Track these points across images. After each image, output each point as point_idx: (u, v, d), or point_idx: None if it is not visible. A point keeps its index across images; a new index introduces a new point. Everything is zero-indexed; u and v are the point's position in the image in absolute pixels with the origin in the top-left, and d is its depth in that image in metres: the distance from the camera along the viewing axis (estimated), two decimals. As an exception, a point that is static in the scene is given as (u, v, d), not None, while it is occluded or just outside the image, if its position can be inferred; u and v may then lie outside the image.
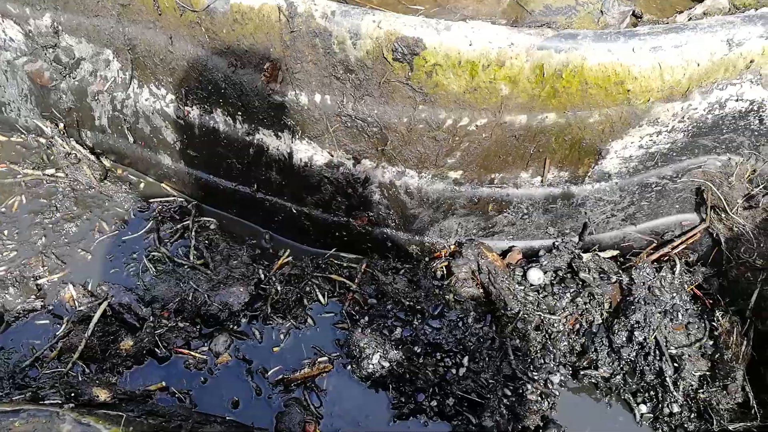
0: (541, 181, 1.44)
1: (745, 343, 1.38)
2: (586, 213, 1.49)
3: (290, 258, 1.62)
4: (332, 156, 1.47)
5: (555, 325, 1.44)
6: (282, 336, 1.49)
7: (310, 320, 1.52)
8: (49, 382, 1.30)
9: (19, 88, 1.83)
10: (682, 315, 1.42)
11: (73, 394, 1.21)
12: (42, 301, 1.51)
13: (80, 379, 1.32)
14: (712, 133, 1.40)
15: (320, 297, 1.55)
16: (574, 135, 1.35)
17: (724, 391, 1.33)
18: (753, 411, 1.31)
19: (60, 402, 1.16)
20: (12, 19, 1.71)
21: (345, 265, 1.62)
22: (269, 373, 1.42)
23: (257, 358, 1.44)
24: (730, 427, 1.30)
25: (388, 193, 1.49)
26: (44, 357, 1.41)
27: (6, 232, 1.63)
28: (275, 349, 1.46)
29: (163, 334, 1.43)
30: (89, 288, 1.53)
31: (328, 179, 1.51)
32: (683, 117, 1.35)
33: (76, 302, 1.50)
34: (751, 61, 1.26)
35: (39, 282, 1.54)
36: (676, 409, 1.36)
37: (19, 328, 1.48)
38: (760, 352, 1.38)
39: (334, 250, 1.64)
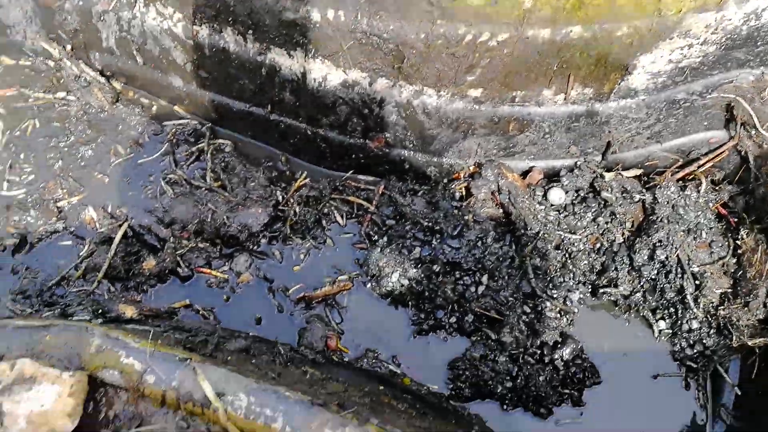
0: (565, 99, 1.39)
1: (768, 260, 1.37)
2: (610, 131, 1.45)
3: (307, 180, 1.60)
4: (347, 75, 1.43)
5: (575, 244, 1.44)
6: (302, 256, 1.50)
7: (329, 240, 1.53)
8: (76, 300, 1.33)
9: (22, 10, 1.78)
10: (706, 233, 1.40)
11: (100, 311, 1.23)
12: (63, 223, 1.52)
13: (106, 297, 1.35)
14: (746, 46, 1.34)
15: (339, 218, 1.55)
16: (601, 49, 1.29)
17: (745, 308, 1.33)
18: (772, 327, 1.32)
19: (88, 318, 1.19)
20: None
21: (362, 187, 1.60)
22: (290, 292, 1.44)
23: (278, 278, 1.46)
24: (750, 342, 1.31)
25: (406, 113, 1.45)
26: (70, 276, 1.44)
27: (22, 155, 1.63)
28: (296, 268, 1.48)
29: (184, 254, 1.45)
30: (109, 210, 1.54)
31: (343, 99, 1.47)
32: (716, 28, 1.28)
33: (96, 224, 1.51)
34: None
35: (59, 204, 1.55)
36: (695, 325, 1.37)
37: (44, 249, 1.50)
38: (783, 269, 1.38)
39: (351, 172, 1.62)
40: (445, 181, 1.56)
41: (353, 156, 1.60)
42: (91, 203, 1.54)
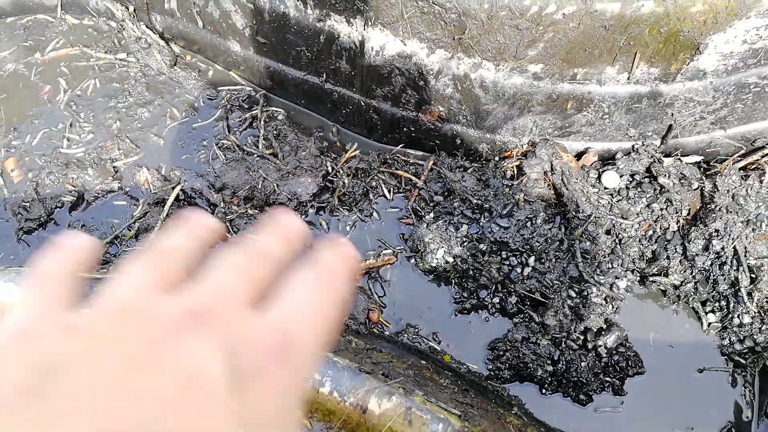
0: (628, 78, 1.35)
1: (832, 258, 1.31)
2: (672, 114, 1.40)
3: (357, 152, 1.60)
4: (405, 45, 1.41)
5: (627, 230, 1.40)
6: (348, 228, 1.51)
7: (375, 214, 1.53)
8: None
9: (87, -30, 1.81)
10: (766, 225, 1.35)
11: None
12: (119, 183, 1.57)
13: (159, 256, 1.39)
14: (827, 30, 1.26)
15: (386, 192, 1.55)
16: (672, 26, 1.24)
17: (803, 305, 1.29)
18: (832, 327, 1.27)
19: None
20: None
21: (411, 161, 1.60)
22: (336, 262, 1.45)
23: (324, 247, 1.47)
24: (805, 341, 1.26)
25: (462, 87, 1.43)
26: (123, 236, 1.49)
27: (83, 114, 1.67)
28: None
29: (233, 219, 1.48)
30: (162, 172, 1.58)
31: (400, 70, 1.46)
32: (797, 10, 1.21)
33: (150, 185, 1.55)
34: None
35: (116, 164, 1.59)
36: (747, 320, 1.33)
37: (99, 207, 1.55)
38: None
39: (401, 146, 1.62)
40: (497, 158, 1.53)
41: (405, 129, 1.58)
42: (146, 164, 1.58)
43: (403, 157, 1.60)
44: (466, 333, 1.38)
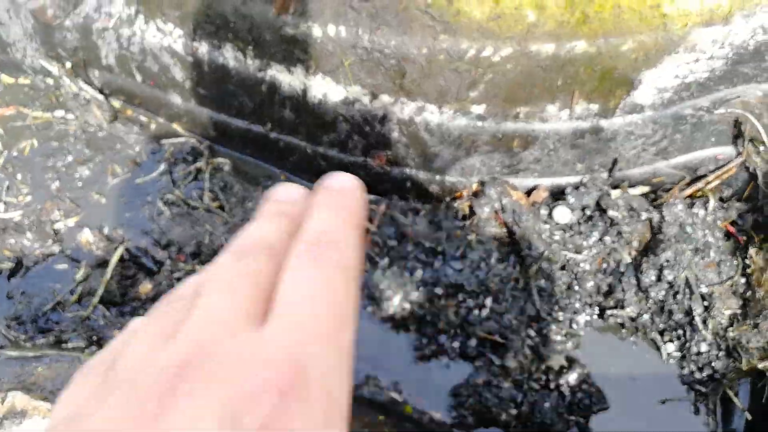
0: (569, 115, 1.37)
1: (779, 281, 1.33)
2: (616, 148, 1.42)
3: (307, 199, 1.57)
4: (347, 91, 1.41)
5: (581, 264, 1.40)
6: (301, 278, 1.47)
7: (329, 262, 1.49)
8: (71, 326, 1.31)
9: (23, 27, 1.76)
10: (714, 252, 1.37)
11: (95, 338, 1.21)
12: (59, 246, 1.50)
13: (101, 322, 1.33)
14: (754, 60, 1.30)
15: (339, 238, 1.52)
16: (605, 64, 1.27)
17: (755, 329, 1.30)
18: (785, 350, 1.28)
19: (83, 346, 1.17)
20: (8, -49, 1.63)
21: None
22: (289, 315, 1.40)
23: (277, 301, 1.43)
24: (760, 365, 1.27)
25: (408, 131, 1.43)
26: (65, 301, 1.41)
27: (20, 176, 1.61)
28: (295, 291, 1.45)
29: (180, 277, 1.42)
30: (105, 232, 1.52)
31: (344, 117, 1.45)
32: (723, 43, 1.25)
33: (93, 246, 1.49)
34: (805, -22, 1.15)
35: (55, 226, 1.53)
36: (704, 348, 1.33)
37: (39, 273, 1.47)
38: (795, 290, 1.34)
39: (351, 190, 1.59)
40: (448, 199, 1.53)
41: (354, 174, 1.56)
42: (88, 224, 1.52)
43: (354, 202, 1.58)
44: (427, 381, 1.35)
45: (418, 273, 1.40)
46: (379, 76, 1.35)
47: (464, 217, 1.48)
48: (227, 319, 0.34)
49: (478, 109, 1.37)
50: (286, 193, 0.43)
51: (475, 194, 1.49)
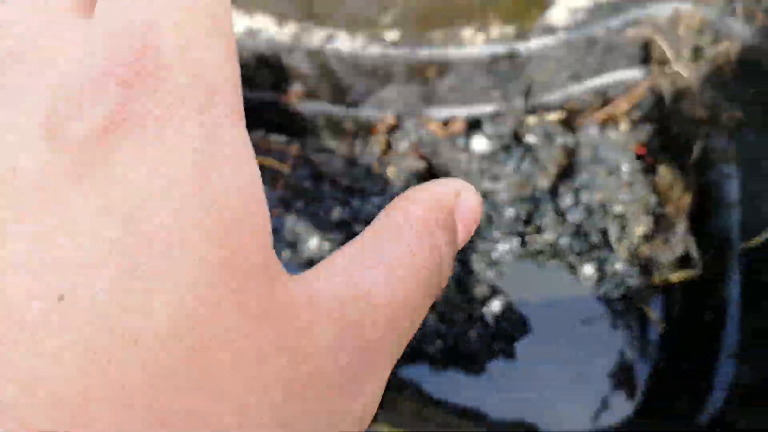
0: (485, 39, 1.32)
1: (686, 196, 1.38)
2: (530, 73, 1.40)
3: (213, 142, 1.46)
4: (251, 20, 1.29)
5: (500, 193, 1.39)
6: (212, 226, 1.37)
7: (241, 207, 1.40)
8: None
9: None
10: (627, 173, 1.39)
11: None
12: None
13: None
14: (661, -22, 1.31)
15: (251, 182, 1.43)
16: (519, -17, 1.23)
17: (666, 245, 1.34)
18: (692, 261, 1.34)
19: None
20: None
21: (275, 148, 1.48)
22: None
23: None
24: (672, 278, 1.32)
25: (318, 62, 1.33)
26: None
27: None
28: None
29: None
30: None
31: (248, 49, 1.33)
32: (633, -39, 1.24)
33: None
34: None
35: None
36: (619, 267, 1.37)
37: None
38: (700, 203, 1.39)
39: (262, 132, 1.49)
40: (364, 135, 1.46)
41: (264, 113, 1.46)
42: None
43: (265, 145, 1.48)
44: (352, 321, 1.31)
45: (336, 212, 1.34)
46: (284, 1, 1.24)
47: (382, 153, 1.42)
48: (44, 5, 0.25)
49: (392, 34, 1.30)
50: None
51: (392, 128, 1.44)
